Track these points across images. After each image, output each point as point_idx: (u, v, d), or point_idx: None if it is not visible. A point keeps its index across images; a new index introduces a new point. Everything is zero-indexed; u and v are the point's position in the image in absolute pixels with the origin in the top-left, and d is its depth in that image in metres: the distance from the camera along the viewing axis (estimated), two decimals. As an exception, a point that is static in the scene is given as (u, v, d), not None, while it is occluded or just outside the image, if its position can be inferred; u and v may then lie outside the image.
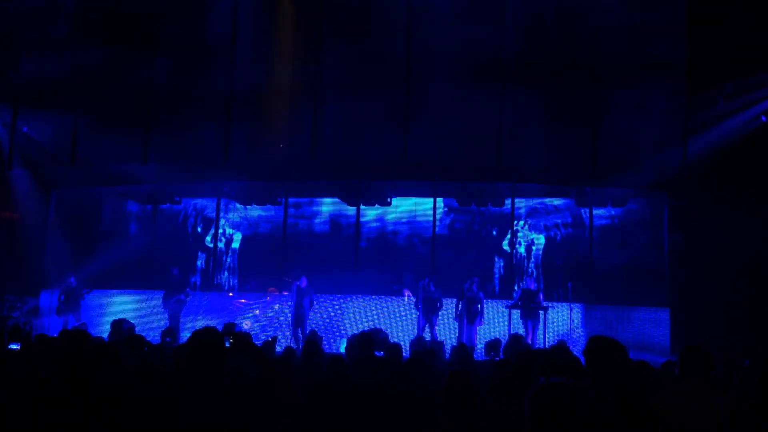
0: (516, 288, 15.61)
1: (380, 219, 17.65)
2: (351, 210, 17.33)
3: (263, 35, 16.45)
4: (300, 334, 14.07)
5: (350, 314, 15.32)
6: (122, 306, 15.80)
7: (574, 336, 13.70)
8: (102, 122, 16.55)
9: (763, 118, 14.22)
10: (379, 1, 15.66)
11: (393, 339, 11.96)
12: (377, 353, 8.60)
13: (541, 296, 13.76)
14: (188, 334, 3.90)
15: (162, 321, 14.80)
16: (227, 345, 3.76)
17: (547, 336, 13.27)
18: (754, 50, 13.97)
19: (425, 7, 15.48)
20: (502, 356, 9.70)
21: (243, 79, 16.20)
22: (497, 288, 16.09)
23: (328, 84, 16.01)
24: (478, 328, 13.78)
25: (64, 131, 16.81)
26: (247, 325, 14.64)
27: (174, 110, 16.27)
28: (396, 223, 17.64)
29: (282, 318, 15.02)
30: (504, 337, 11.85)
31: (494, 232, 16.86)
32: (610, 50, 14.79)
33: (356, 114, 15.46)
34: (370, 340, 7.89)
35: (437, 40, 15.28)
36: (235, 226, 17.89)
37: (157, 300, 15.31)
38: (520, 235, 16.61)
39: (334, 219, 18.02)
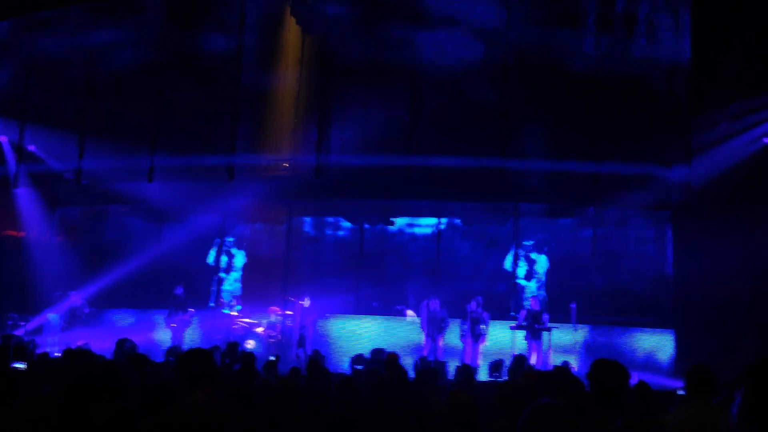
0: (520, 309, 15.55)
1: (384, 238, 17.64)
2: (355, 230, 17.37)
3: (269, 55, 16.57)
4: (302, 354, 14.06)
5: (353, 334, 15.31)
6: (126, 324, 15.81)
7: (577, 357, 13.64)
8: (108, 140, 16.65)
9: (765, 140, 14.25)
10: (384, 21, 15.76)
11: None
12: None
13: (546, 317, 13.74)
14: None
15: (166, 340, 14.80)
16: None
17: (551, 357, 13.23)
18: (757, 72, 14.04)
19: (430, 26, 15.59)
20: (505, 377, 9.68)
21: (248, 98, 16.31)
22: (501, 308, 16.03)
23: (333, 104, 16.11)
24: (481, 348, 13.76)
25: (69, 149, 16.90)
26: (250, 344, 14.62)
27: (179, 129, 16.36)
28: (399, 242, 17.64)
29: (282, 337, 14.99)
30: (507, 358, 11.83)
31: (498, 253, 16.83)
32: (613, 70, 14.87)
33: (361, 135, 15.54)
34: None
35: (443, 59, 15.37)
36: (240, 245, 17.91)
37: (160, 319, 15.32)
38: (523, 255, 16.59)
39: (338, 239, 18.04)
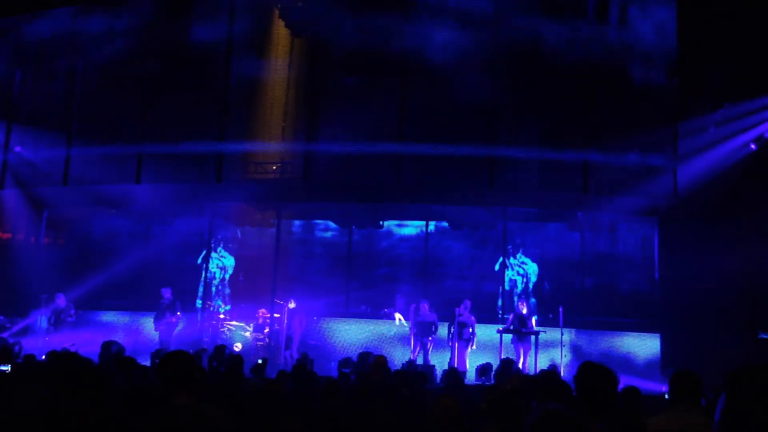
0: (508, 312, 15.59)
1: (372, 241, 17.66)
2: (343, 233, 17.37)
3: (257, 58, 16.54)
4: (289, 357, 14.03)
5: (342, 337, 15.30)
6: (113, 326, 15.73)
7: (565, 360, 13.68)
8: (95, 142, 16.59)
9: (752, 146, 14.35)
10: (374, 26, 15.76)
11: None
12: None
13: (533, 320, 13.77)
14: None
15: (153, 342, 14.73)
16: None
17: (538, 360, 13.25)
18: (744, 77, 14.13)
19: (421, 31, 15.60)
20: (493, 381, 9.68)
21: (237, 100, 16.28)
22: (489, 312, 16.07)
23: (323, 106, 16.10)
24: (469, 352, 13.76)
25: (57, 151, 16.82)
26: (238, 347, 14.58)
27: (167, 130, 16.31)
28: (388, 245, 17.66)
29: (270, 340, 14.97)
30: (495, 361, 11.84)
31: (486, 256, 16.88)
32: (601, 77, 14.94)
33: (350, 137, 15.53)
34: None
35: (433, 64, 15.38)
36: (228, 248, 17.87)
37: (147, 321, 15.25)
38: (512, 259, 16.64)
39: (327, 241, 18.03)
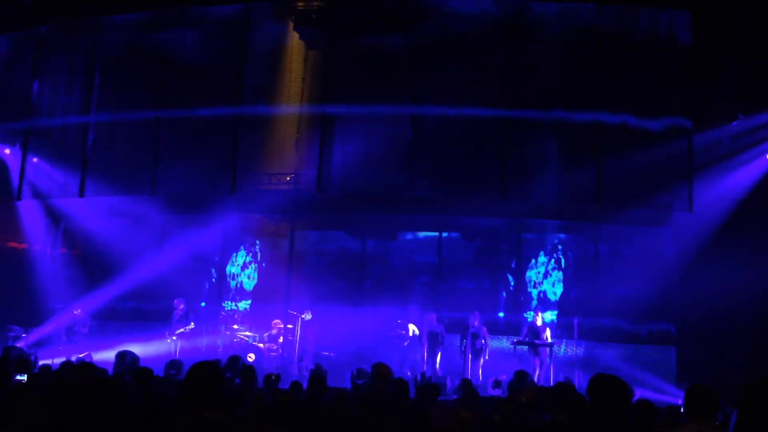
0: (522, 324, 15.53)
1: (386, 252, 17.65)
2: (357, 243, 17.38)
3: (272, 70, 16.64)
4: (304, 368, 14.03)
5: (355, 347, 15.27)
6: (127, 336, 15.78)
7: (579, 373, 13.61)
8: (110, 154, 16.72)
9: (768, 158, 14.28)
10: (387, 38, 15.84)
11: (396, 374, 11.88)
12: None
13: (548, 332, 13.70)
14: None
15: (167, 352, 14.76)
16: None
17: (553, 372, 13.19)
18: (759, 89, 14.07)
19: (432, 44, 15.65)
20: (507, 393, 9.65)
21: (251, 112, 16.37)
22: (503, 323, 16.01)
23: (336, 118, 16.16)
24: (482, 363, 13.72)
25: (73, 163, 16.97)
26: (251, 358, 14.59)
27: (182, 142, 16.41)
28: (402, 256, 17.64)
29: (283, 351, 14.97)
30: (509, 373, 11.79)
31: (500, 268, 16.83)
32: (615, 89, 14.92)
33: (363, 149, 15.58)
34: (388, 373, 7.87)
35: (443, 75, 15.42)
36: (243, 259, 17.91)
37: (162, 331, 15.28)
38: (526, 270, 16.57)
39: (340, 252, 18.04)
